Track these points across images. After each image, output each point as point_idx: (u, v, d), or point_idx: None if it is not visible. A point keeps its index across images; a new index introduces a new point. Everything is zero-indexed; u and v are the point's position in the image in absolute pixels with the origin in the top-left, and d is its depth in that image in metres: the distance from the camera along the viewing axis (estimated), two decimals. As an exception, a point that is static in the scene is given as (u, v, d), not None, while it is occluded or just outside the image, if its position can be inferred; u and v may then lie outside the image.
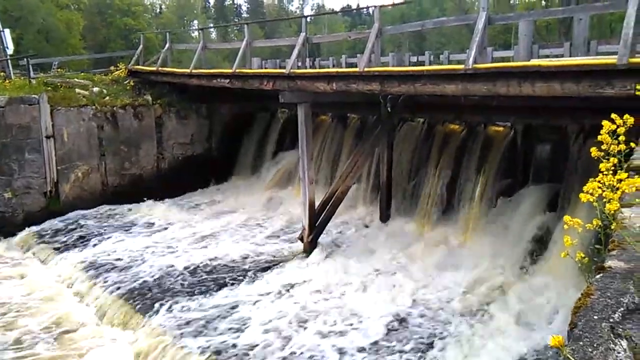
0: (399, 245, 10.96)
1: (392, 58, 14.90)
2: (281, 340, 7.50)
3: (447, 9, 55.18)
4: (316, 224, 11.24)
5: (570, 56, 8.83)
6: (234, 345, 7.40)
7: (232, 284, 9.51)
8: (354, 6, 61.10)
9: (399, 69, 9.20)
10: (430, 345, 7.29)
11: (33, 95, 13.61)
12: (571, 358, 1.24)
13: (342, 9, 66.92)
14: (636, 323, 1.46)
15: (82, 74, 17.49)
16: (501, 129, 11.25)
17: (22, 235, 13.08)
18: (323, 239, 11.43)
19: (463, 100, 10.13)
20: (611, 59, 6.14)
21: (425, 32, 50.94)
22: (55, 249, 11.84)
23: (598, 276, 1.77)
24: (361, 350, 7.22)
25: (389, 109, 11.79)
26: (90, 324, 8.75)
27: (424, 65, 14.03)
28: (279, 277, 9.83)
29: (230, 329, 7.87)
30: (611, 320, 1.46)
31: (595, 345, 1.34)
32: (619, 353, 1.32)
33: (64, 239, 12.37)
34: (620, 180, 1.67)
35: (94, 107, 14.64)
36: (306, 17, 14.26)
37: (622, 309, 1.53)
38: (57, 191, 14.03)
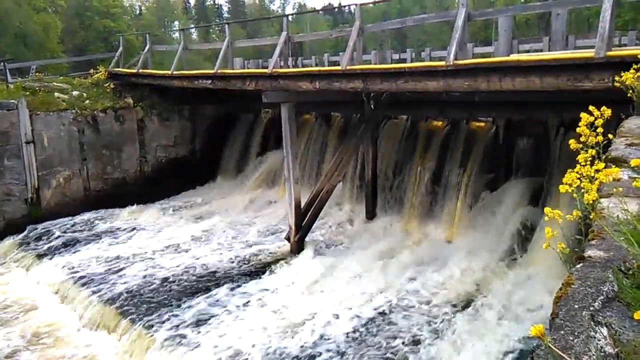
0: (385, 242, 11.02)
1: (374, 56, 14.96)
2: (275, 340, 7.49)
3: (428, 6, 55.63)
4: (302, 224, 11.23)
5: (549, 50, 8.96)
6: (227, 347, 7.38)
7: (218, 288, 9.43)
8: (336, 5, 61.15)
9: (380, 66, 9.23)
10: (416, 341, 7.32)
11: (11, 101, 13.35)
12: (552, 347, 1.25)
13: (323, 7, 66.98)
14: (616, 311, 1.49)
15: (61, 77, 17.20)
16: (483, 124, 11.37)
17: (3, 243, 12.84)
18: (310, 238, 11.43)
19: (445, 96, 10.21)
20: (589, 53, 6.25)
21: (406, 30, 51.30)
22: (38, 256, 11.64)
23: (578, 266, 1.79)
24: (346, 344, 7.24)
25: (372, 106, 11.83)
26: (75, 330, 8.63)
27: (406, 62, 14.09)
28: (267, 278, 9.80)
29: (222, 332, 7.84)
30: (591, 308, 1.48)
31: (576, 333, 1.36)
32: (599, 340, 1.33)
33: (47, 246, 12.16)
34: (597, 171, 1.69)
35: (74, 111, 14.42)
36: (287, 16, 14.21)
37: (602, 297, 1.55)
38: (38, 197, 13.79)
